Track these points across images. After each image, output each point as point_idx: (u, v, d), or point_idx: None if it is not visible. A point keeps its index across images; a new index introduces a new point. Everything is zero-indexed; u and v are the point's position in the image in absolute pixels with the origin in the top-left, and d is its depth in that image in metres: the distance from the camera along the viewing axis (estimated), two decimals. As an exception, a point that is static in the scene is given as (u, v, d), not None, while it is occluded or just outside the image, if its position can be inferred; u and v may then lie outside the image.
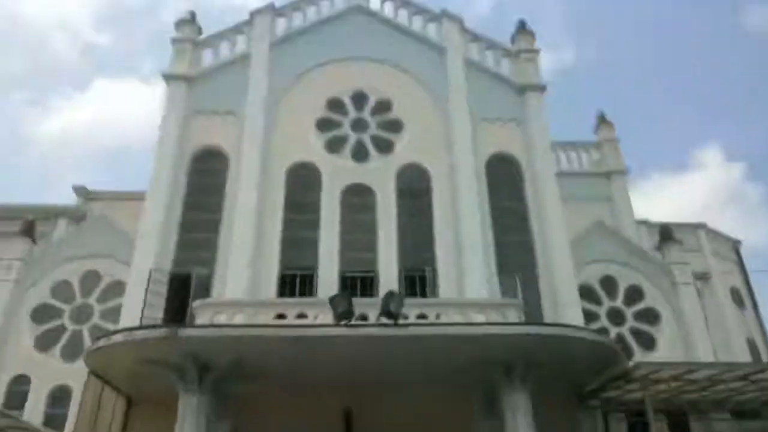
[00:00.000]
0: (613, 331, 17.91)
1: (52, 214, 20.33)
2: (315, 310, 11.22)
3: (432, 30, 20.38)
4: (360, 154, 17.65)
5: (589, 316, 18.08)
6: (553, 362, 11.07)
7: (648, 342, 17.85)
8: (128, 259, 15.58)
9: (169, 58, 18.64)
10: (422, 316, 12.00)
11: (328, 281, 15.24)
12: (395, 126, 18.23)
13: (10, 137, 70.55)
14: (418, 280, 15.68)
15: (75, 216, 20.27)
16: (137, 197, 17.24)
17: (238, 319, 11.65)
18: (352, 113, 18.38)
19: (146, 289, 14.23)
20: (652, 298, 18.56)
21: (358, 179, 17.15)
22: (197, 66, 18.85)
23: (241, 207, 16.01)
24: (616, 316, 18.23)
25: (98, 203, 20.83)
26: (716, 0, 72.37)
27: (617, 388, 12.45)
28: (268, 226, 16.01)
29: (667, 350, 17.61)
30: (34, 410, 15.46)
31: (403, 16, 20.51)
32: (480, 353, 10.62)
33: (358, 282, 15.48)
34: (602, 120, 25.29)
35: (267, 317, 11.53)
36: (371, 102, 18.58)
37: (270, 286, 15.06)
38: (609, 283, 18.74)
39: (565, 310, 15.42)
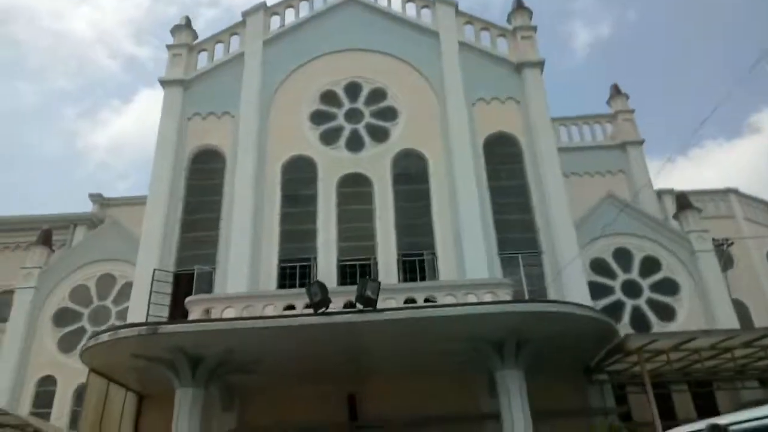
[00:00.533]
0: (629, 304, 17.48)
1: (70, 222, 21.20)
2: (302, 300, 11.29)
3: (427, 16, 20.12)
4: (355, 144, 17.63)
5: (604, 290, 17.73)
6: (545, 339, 10.84)
7: (667, 313, 17.29)
8: (140, 261, 16.10)
9: (166, 64, 19.03)
10: (411, 301, 11.95)
11: (326, 271, 15.34)
12: (390, 114, 18.12)
13: (67, 150, 74.12)
14: (417, 265, 15.61)
15: (92, 223, 21.07)
16: (148, 201, 17.77)
17: (228, 312, 11.88)
18: (347, 104, 18.36)
19: (150, 289, 14.62)
20: (670, 269, 17.95)
21: (353, 169, 17.15)
22: (193, 70, 19.19)
23: (238, 204, 16.27)
24: (632, 289, 17.71)
25: (114, 209, 21.66)
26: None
27: (620, 361, 12.14)
28: (267, 221, 16.22)
29: (687, 320, 17.01)
30: (61, 409, 16.28)
31: (396, 5, 20.34)
32: (467, 333, 10.49)
33: (357, 270, 15.53)
34: (616, 91, 24.57)
35: (257, 310, 11.70)
36: (365, 92, 18.52)
37: (270, 279, 15.27)
38: (623, 256, 18.23)
39: (570, 286, 15.04)
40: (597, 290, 17.65)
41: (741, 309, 22.98)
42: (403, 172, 17.17)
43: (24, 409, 15.93)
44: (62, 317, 17.48)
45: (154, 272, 14.98)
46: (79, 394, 16.40)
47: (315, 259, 15.65)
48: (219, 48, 19.87)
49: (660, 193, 24.33)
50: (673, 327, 16.78)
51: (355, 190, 16.88)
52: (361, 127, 17.94)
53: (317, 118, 18.14)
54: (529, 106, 17.96)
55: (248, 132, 17.53)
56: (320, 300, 9.74)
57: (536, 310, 9.88)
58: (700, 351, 10.87)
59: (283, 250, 15.90)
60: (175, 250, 15.91)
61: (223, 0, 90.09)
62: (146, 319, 13.91)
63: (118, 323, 16.97)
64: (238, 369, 11.47)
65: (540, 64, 18.67)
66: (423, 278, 15.24)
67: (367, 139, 17.74)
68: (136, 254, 16.76)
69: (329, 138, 17.77)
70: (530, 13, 20.03)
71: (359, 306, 9.78)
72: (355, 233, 16.18)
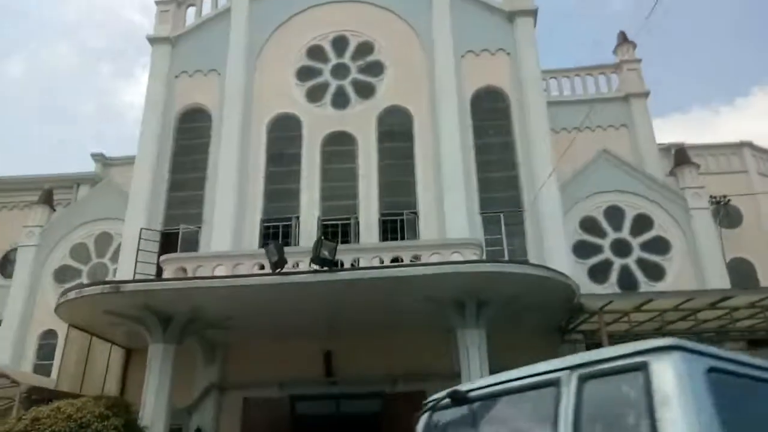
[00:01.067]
0: (618, 263, 17.29)
1: (73, 181, 21.76)
2: (241, 260, 11.51)
3: (418, -38, 19.34)
4: (340, 101, 17.43)
5: (593, 249, 17.55)
6: (509, 299, 10.88)
7: (657, 273, 17.07)
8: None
9: (154, 21, 18.91)
10: (380, 260, 12.07)
11: (308, 230, 15.52)
12: (376, 69, 17.76)
13: (103, 107, 75.45)
14: (399, 224, 15.64)
15: (94, 182, 21.58)
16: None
17: (201, 271, 12.20)
18: (333, 59, 18.05)
19: (138, 248, 15.06)
20: (662, 227, 17.59)
21: (338, 127, 17.03)
22: (181, 26, 19.03)
23: (223, 163, 16.42)
24: (622, 248, 17.47)
25: (116, 169, 22.07)
26: None
27: (588, 322, 12.14)
28: (251, 180, 16.37)
29: (677, 280, 16.78)
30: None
31: (387, -49, 19.56)
32: (423, 293, 10.59)
33: (339, 229, 15.66)
34: (624, 39, 23.49)
35: (228, 269, 11.99)
36: (352, 46, 18.14)
37: (253, 238, 15.55)
38: (615, 214, 17.92)
39: (550, 246, 14.92)
40: (585, 249, 17.53)
41: (746, 267, 22.54)
42: (388, 130, 16.98)
43: (28, 360, 16.91)
44: (63, 274, 18.21)
45: (141, 231, 15.38)
46: (80, 347, 17.35)
47: (298, 218, 15.81)
48: (207, 3, 19.60)
49: (671, 148, 23.66)
50: (661, 287, 16.57)
51: (339, 149, 16.82)
52: (347, 84, 17.68)
53: (303, 74, 17.93)
54: (519, 59, 17.38)
55: (234, 90, 17.47)
56: (277, 260, 9.90)
57: (487, 270, 9.87)
58: (664, 312, 10.75)
59: (267, 209, 16.09)
60: (163, 209, 16.26)
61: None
62: (133, 277, 14.40)
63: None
64: (211, 325, 11.87)
65: (533, 13, 17.92)
66: (403, 238, 15.29)
67: (353, 95, 17.50)
68: (132, 212, 17.32)
69: (315, 95, 17.59)
70: (527, -42, 19.07)
71: (314, 266, 9.92)
72: (338, 192, 16.23)
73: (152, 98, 17.54)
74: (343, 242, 15.23)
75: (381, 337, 13.20)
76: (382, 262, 12.11)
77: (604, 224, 17.75)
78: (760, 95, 66.33)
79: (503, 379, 2.84)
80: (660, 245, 17.31)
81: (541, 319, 12.63)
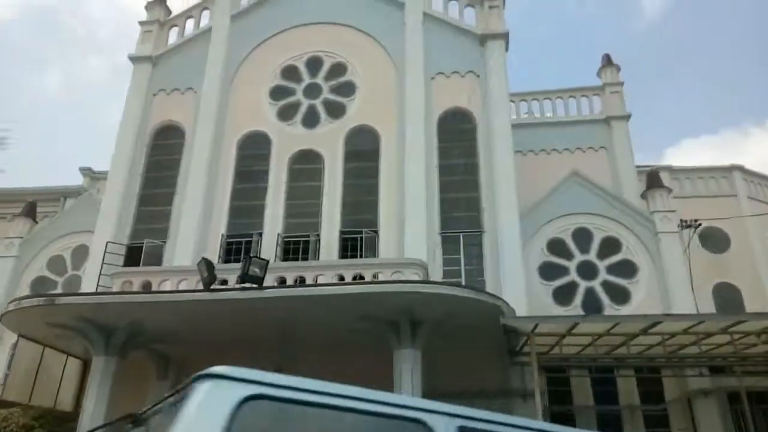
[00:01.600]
0: (583, 285, 17.14)
1: (60, 194, 22.37)
2: (228, 274, 11.73)
3: (397, -14, 19.72)
4: (311, 120, 17.75)
5: (559, 271, 17.45)
6: (437, 319, 10.97)
7: (622, 296, 16.88)
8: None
9: (137, 41, 19.54)
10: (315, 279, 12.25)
11: (270, 246, 15.75)
12: (348, 89, 18.08)
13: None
14: (359, 242, 15.79)
15: (80, 195, 22.15)
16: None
17: (151, 285, 12.48)
18: (307, 79, 18.43)
19: (102, 261, 15.44)
20: (630, 250, 17.43)
21: (306, 145, 17.34)
22: (163, 46, 19.63)
23: (192, 180, 16.81)
24: (588, 270, 17.35)
25: (102, 182, 22.57)
26: None
27: (539, 345, 12.08)
28: (218, 197, 16.71)
29: (643, 304, 16.58)
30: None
31: (366, -25, 19.99)
32: (358, 312, 10.72)
33: (300, 246, 15.88)
34: (607, 62, 23.56)
35: (172, 284, 12.26)
36: (326, 66, 18.51)
37: (215, 254, 15.81)
38: (583, 236, 17.80)
39: (507, 267, 14.94)
40: (551, 271, 17.45)
41: (732, 292, 22.22)
42: (355, 149, 17.24)
43: (0, 367, 17.30)
44: (39, 285, 18.64)
45: (106, 245, 15.76)
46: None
47: (260, 234, 16.07)
48: (190, 23, 20.20)
49: (659, 170, 23.54)
50: (627, 310, 16.42)
51: (306, 167, 17.11)
52: (318, 103, 18.01)
53: (277, 93, 18.32)
54: (488, 81, 17.56)
55: (208, 108, 17.92)
56: (207, 277, 10.13)
57: (409, 290, 9.96)
58: (597, 336, 10.70)
59: (231, 225, 16.40)
60: (131, 223, 16.66)
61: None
62: (96, 290, 14.75)
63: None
64: (155, 339, 12.11)
65: (504, 36, 18.13)
66: (362, 256, 15.43)
67: (323, 115, 17.82)
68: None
69: (286, 114, 17.95)
70: (500, -20, 19.35)
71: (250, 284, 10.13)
72: (302, 210, 16.48)
73: (129, 115, 18.07)
74: (303, 259, 15.51)
75: (331, 355, 13.29)
76: (315, 280, 12.26)
77: (572, 246, 17.66)
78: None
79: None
80: (627, 268, 17.15)
81: (488, 341, 12.65)
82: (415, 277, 12.05)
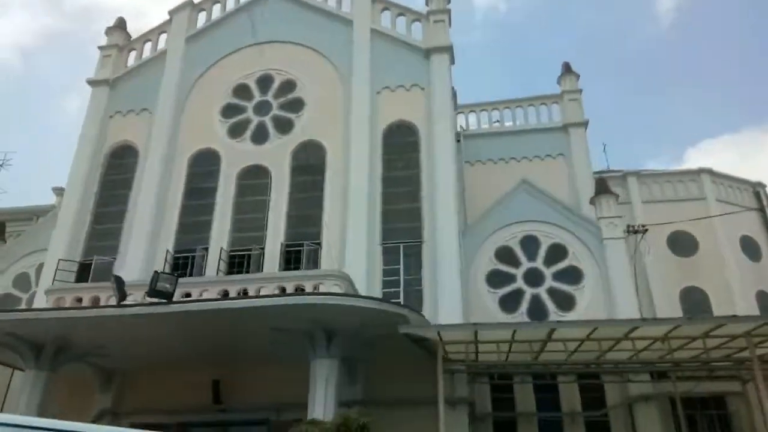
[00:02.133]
0: (529, 293, 17.29)
1: (33, 214, 23.03)
2: (134, 290, 12.12)
3: (347, 4, 20.20)
4: (260, 137, 18.20)
5: (506, 279, 17.62)
6: (351, 330, 11.24)
7: (567, 302, 17.00)
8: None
9: (96, 65, 20.19)
10: (245, 292, 12.57)
11: (215, 260, 16.15)
12: (296, 105, 18.52)
13: None
14: (303, 255, 16.13)
15: (54, 215, 22.76)
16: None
17: (82, 301, 12.91)
18: (257, 97, 18.91)
19: (53, 278, 15.93)
20: (576, 257, 17.56)
21: (255, 161, 17.77)
22: (122, 69, 20.26)
23: (143, 197, 17.31)
24: (535, 277, 17.50)
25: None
26: None
27: (467, 352, 12.30)
28: (167, 213, 17.18)
29: (587, 310, 16.68)
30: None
31: (319, -6, 20.50)
32: (269, 325, 11.04)
33: (244, 260, 16.26)
34: (567, 70, 23.81)
35: (102, 299, 12.67)
36: (276, 84, 18.98)
37: (162, 269, 16.22)
38: (530, 243, 17.98)
39: (444, 277, 15.17)
40: (499, 278, 17.64)
41: (700, 296, 22.17)
42: (302, 164, 17.64)
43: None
44: (4, 302, 19.18)
45: (58, 262, 16.27)
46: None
47: (206, 249, 16.48)
48: (148, 47, 20.83)
49: (626, 176, 23.74)
50: (571, 316, 16.49)
51: (254, 182, 17.53)
52: (267, 120, 18.47)
53: (228, 111, 18.82)
54: (432, 94, 17.91)
55: (161, 127, 18.46)
56: (118, 293, 10.52)
57: (307, 302, 10.27)
58: (500, 343, 10.92)
59: (180, 240, 16.83)
60: (84, 241, 17.17)
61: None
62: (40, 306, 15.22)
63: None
64: (86, 354, 12.50)
65: (448, 49, 18.50)
66: (304, 268, 15.75)
67: (271, 131, 18.27)
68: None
69: (236, 131, 18.42)
70: (447, -6, 19.77)
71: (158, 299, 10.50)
72: (248, 224, 16.88)
73: (86, 136, 18.68)
74: (246, 272, 15.89)
75: (265, 367, 13.64)
76: (247, 292, 12.60)
77: (519, 254, 17.84)
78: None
79: None
80: (573, 275, 17.27)
81: (418, 349, 12.86)
82: (336, 289, 12.33)
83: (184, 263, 16.41)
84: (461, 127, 23.38)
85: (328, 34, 19.46)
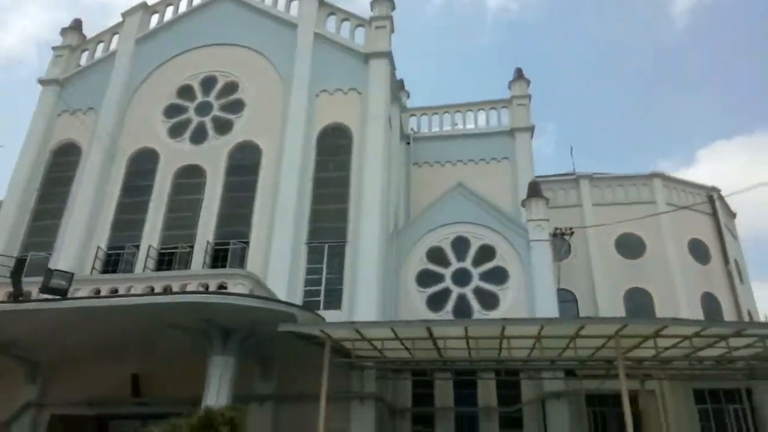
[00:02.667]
0: (456, 292, 17.69)
1: None
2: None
3: (295, 9, 20.60)
4: (199, 137, 18.64)
5: (435, 278, 18.03)
6: (246, 328, 11.67)
7: (491, 301, 17.40)
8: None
9: (47, 65, 20.69)
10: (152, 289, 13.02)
11: (145, 257, 16.61)
12: (237, 106, 18.95)
13: None
14: (230, 253, 16.58)
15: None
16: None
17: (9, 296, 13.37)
18: (200, 98, 19.34)
19: (-10, 273, 16.41)
20: (504, 258, 17.95)
21: (191, 161, 18.22)
22: (74, 69, 20.75)
23: (81, 195, 17.78)
24: (463, 277, 17.91)
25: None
26: None
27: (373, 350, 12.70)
28: (103, 210, 17.65)
29: (510, 309, 17.05)
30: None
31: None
32: (165, 322, 11.48)
33: (174, 257, 16.73)
34: (519, 76, 24.16)
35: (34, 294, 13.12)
36: (219, 85, 19.41)
37: (95, 266, 16.72)
38: (461, 244, 18.39)
39: (362, 276, 15.58)
40: (428, 278, 18.07)
41: (644, 297, 22.71)
42: (237, 164, 18.07)
43: None
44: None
45: (-5, 257, 16.76)
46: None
47: (137, 246, 16.95)
48: (101, 48, 21.30)
49: (578, 179, 24.20)
50: (494, 315, 16.86)
51: (189, 182, 17.98)
52: (207, 120, 18.91)
53: (171, 111, 19.27)
54: (368, 98, 18.32)
55: (104, 126, 18.93)
56: (14, 290, 10.98)
57: (186, 300, 10.69)
58: (384, 341, 11.35)
59: (113, 237, 17.31)
60: (23, 237, 17.66)
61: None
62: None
63: None
64: (3, 348, 12.96)
65: (387, 55, 18.90)
66: (232, 265, 16.20)
67: (210, 131, 18.70)
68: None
69: (177, 131, 18.87)
70: (392, 3, 20.17)
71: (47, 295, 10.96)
72: (180, 222, 17.33)
73: (32, 135, 19.17)
74: (176, 269, 16.34)
75: (184, 361, 14.05)
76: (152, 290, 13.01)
77: (450, 254, 18.25)
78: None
79: None
80: (498, 275, 17.67)
81: (313, 346, 13.22)
82: (240, 288, 12.70)
83: (115, 260, 16.88)
84: (412, 129, 23.82)
85: (274, 37, 19.88)
